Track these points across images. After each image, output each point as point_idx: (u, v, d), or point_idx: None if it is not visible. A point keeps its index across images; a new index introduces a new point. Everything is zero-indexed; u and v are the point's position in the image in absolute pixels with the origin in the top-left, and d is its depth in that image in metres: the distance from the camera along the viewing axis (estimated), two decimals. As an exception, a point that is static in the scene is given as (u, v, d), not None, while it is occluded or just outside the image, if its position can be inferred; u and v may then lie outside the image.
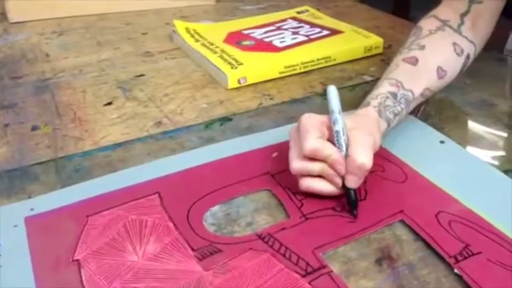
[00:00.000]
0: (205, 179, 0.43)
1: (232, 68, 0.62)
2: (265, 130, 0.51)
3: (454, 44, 0.51)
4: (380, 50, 0.70)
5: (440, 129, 0.50)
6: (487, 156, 0.46)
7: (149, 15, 0.87)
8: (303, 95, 0.59)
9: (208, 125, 0.53)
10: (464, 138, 0.48)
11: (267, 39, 0.72)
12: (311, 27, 0.76)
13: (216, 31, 0.75)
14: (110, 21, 0.85)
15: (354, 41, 0.70)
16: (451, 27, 0.52)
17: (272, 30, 0.75)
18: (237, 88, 0.61)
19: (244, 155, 0.46)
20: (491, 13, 0.53)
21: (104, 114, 0.56)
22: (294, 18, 0.80)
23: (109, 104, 0.58)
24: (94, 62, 0.69)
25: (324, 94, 0.59)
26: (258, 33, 0.74)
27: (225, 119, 0.54)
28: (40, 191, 0.43)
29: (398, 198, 0.41)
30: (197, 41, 0.72)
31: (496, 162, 0.45)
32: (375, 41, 0.70)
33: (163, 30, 0.80)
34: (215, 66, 0.63)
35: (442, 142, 0.48)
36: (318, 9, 0.84)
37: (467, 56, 0.52)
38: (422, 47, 0.50)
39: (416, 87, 0.48)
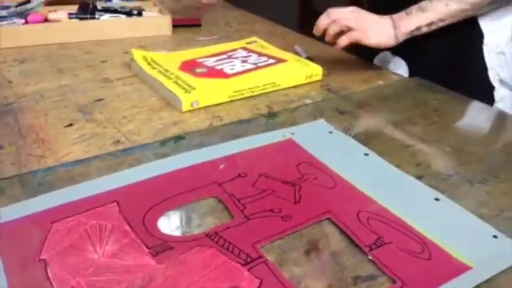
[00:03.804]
0: (160, 188, 0.49)
1: (185, 92, 0.68)
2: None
3: None
4: (319, 77, 0.78)
5: (366, 143, 0.57)
6: (403, 165, 0.53)
7: (108, 44, 0.93)
8: (250, 117, 0.66)
9: (163, 142, 0.58)
10: (386, 151, 0.56)
11: (218, 67, 0.79)
12: (259, 56, 0.83)
13: (172, 59, 0.81)
14: (70, 49, 0.89)
15: (296, 68, 0.78)
16: None
17: (223, 59, 0.82)
18: (190, 111, 0.67)
19: (195, 167, 0.52)
20: None
21: (65, 134, 0.60)
22: (244, 48, 0.88)
23: (70, 125, 0.63)
24: (55, 88, 0.74)
25: (268, 115, 0.66)
26: (210, 62, 0.81)
27: (179, 138, 0.60)
28: (6, 203, 0.46)
29: (327, 200, 0.47)
30: (154, 68, 0.78)
31: (411, 170, 0.53)
32: (315, 69, 0.78)
33: (121, 59, 0.86)
34: (170, 91, 0.69)
35: (366, 154, 0.55)
36: (266, 40, 0.92)
37: None
38: None
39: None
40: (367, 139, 0.59)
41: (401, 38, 0.74)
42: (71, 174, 0.52)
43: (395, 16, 0.75)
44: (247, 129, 0.62)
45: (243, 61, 0.81)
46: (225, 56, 0.84)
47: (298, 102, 0.71)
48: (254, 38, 0.93)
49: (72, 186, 0.49)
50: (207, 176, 0.51)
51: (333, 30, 0.74)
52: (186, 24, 1.04)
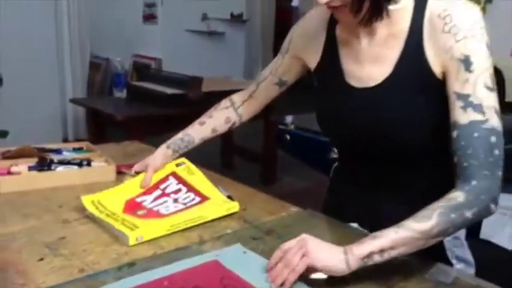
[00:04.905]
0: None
1: (131, 230, 0.88)
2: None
3: (227, 117, 1.13)
4: (237, 209, 1.01)
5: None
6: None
7: (62, 190, 1.10)
8: (185, 245, 0.86)
9: (119, 268, 0.77)
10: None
11: (155, 208, 0.99)
12: (187, 191, 1.05)
13: (115, 199, 1.00)
14: (30, 197, 1.06)
15: (218, 204, 1.01)
16: (233, 106, 1.13)
17: (159, 197, 1.03)
18: (137, 244, 0.86)
19: (145, 285, 0.71)
20: (260, 104, 1.12)
21: (39, 267, 0.77)
22: (174, 175, 1.09)
23: (41, 259, 0.79)
24: (23, 230, 0.90)
25: (199, 243, 0.87)
26: (148, 202, 1.02)
27: (131, 264, 0.78)
28: (2, 321, 0.62)
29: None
30: (101, 212, 0.96)
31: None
32: (233, 204, 1.02)
33: (75, 202, 1.03)
34: (119, 230, 0.88)
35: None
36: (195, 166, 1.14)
37: (234, 123, 1.14)
38: (211, 116, 1.13)
39: (196, 136, 1.11)
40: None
41: (353, 264, 0.72)
42: (48, 297, 0.68)
43: (347, 246, 0.74)
44: (184, 254, 0.82)
45: (175, 200, 1.03)
46: (160, 192, 1.05)
47: (221, 231, 0.93)
48: (183, 159, 1.14)
49: (51, 306, 0.66)
50: (155, 291, 0.69)
51: (283, 276, 0.72)
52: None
